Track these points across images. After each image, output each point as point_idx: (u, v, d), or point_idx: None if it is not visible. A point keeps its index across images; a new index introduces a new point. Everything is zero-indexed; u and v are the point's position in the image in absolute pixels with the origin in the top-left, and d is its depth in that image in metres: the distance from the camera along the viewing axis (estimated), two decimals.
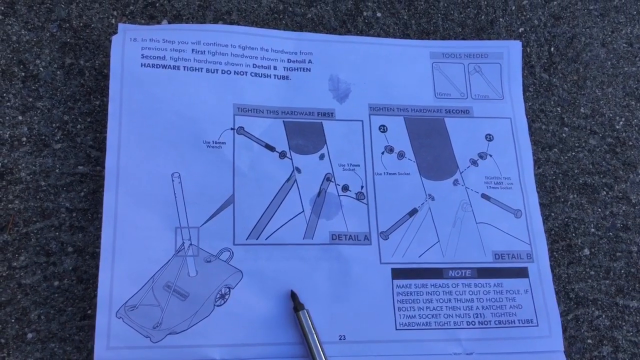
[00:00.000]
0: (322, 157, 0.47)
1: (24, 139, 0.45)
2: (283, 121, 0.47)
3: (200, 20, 0.50)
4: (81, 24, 0.48)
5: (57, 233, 0.43)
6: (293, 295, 0.42)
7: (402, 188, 0.47)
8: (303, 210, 0.45)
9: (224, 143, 0.46)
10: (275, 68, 0.49)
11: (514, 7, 0.56)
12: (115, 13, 0.49)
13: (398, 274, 0.45)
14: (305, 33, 0.51)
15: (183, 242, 0.43)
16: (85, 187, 0.44)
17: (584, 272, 0.49)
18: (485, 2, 0.56)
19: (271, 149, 0.46)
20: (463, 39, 0.54)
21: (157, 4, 0.50)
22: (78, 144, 0.45)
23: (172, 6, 0.50)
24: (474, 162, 0.49)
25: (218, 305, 0.42)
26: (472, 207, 0.48)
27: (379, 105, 0.49)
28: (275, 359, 0.41)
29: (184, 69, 0.46)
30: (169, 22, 0.50)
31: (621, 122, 0.54)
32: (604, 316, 0.48)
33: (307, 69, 0.49)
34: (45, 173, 0.44)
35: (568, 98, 0.54)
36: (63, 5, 0.49)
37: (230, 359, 0.41)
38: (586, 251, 0.50)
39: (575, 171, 0.52)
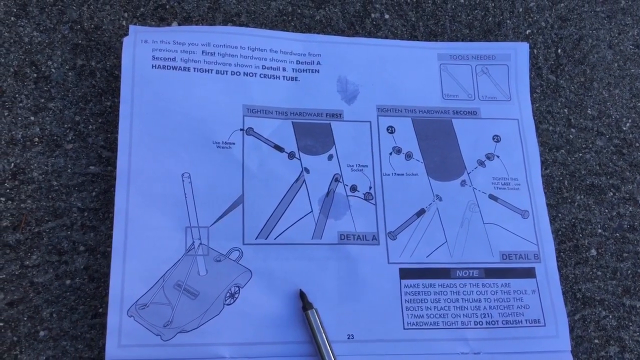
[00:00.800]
0: (330, 157, 0.47)
1: (36, 139, 0.45)
2: (292, 122, 0.48)
3: (209, 22, 0.51)
4: (92, 26, 0.49)
5: (68, 232, 0.44)
6: (302, 295, 0.43)
7: (409, 188, 0.48)
8: (312, 211, 0.46)
9: (234, 144, 0.46)
10: (284, 69, 0.49)
11: (521, 9, 0.56)
12: (126, 15, 0.50)
13: (406, 273, 0.45)
14: (313, 35, 0.51)
15: (193, 242, 0.43)
16: (97, 187, 0.45)
17: (591, 273, 0.49)
18: (493, 4, 0.56)
19: (280, 149, 0.47)
20: (470, 40, 0.54)
21: (168, 6, 0.51)
22: (89, 145, 0.46)
23: (182, 8, 0.51)
24: (481, 163, 0.49)
25: (228, 304, 0.42)
26: (480, 208, 0.48)
27: (387, 106, 0.50)
28: (284, 358, 0.42)
29: (194, 70, 0.47)
30: (179, 24, 0.50)
31: (628, 124, 0.54)
32: (610, 316, 0.48)
33: (315, 70, 0.50)
34: (57, 173, 0.45)
35: (575, 99, 0.54)
36: (75, 7, 0.49)
37: (239, 357, 0.41)
38: (593, 252, 0.50)
39: (582, 172, 0.52)
